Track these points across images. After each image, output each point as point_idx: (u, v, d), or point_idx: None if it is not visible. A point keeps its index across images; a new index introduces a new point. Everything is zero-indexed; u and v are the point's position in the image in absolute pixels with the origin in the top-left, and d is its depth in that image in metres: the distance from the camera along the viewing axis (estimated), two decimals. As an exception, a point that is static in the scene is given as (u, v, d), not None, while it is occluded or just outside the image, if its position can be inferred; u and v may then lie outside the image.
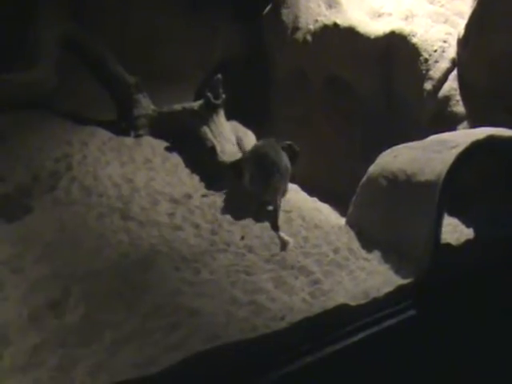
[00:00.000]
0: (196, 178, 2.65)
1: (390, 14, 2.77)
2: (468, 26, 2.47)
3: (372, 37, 2.72)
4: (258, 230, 2.16)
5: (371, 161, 2.22)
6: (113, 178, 2.46)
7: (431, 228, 1.86)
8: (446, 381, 1.86)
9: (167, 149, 2.86)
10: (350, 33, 2.77)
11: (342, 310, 1.63)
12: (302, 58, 3.02)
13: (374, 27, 2.74)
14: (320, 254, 1.99)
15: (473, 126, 2.37)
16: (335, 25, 2.83)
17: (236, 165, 2.60)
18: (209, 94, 2.84)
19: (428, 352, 1.78)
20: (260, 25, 3.29)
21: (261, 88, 3.27)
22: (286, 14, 3.11)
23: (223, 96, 2.85)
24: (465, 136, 2.06)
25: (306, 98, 3.04)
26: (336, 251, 2.01)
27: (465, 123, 2.44)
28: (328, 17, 2.88)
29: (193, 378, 1.37)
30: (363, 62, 2.78)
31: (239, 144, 2.80)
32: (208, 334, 1.47)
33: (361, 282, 1.82)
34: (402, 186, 2.01)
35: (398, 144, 2.23)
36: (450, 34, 2.61)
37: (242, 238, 2.10)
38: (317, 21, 2.93)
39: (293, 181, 2.64)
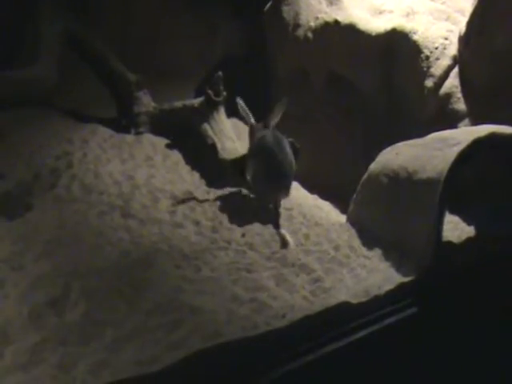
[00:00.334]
0: (196, 175, 2.66)
1: (391, 11, 2.76)
2: (469, 24, 2.47)
3: (373, 34, 2.72)
4: (258, 227, 2.16)
5: (372, 158, 2.21)
6: (113, 176, 2.46)
7: (432, 226, 1.86)
8: (447, 379, 1.86)
9: (168, 146, 2.86)
10: (351, 30, 2.76)
11: (343, 307, 1.63)
12: (303, 56, 3.02)
13: (375, 24, 2.73)
14: (321, 251, 1.99)
15: (474, 123, 2.37)
16: (336, 22, 2.82)
17: (237, 162, 2.60)
18: (209, 91, 2.84)
19: (429, 350, 1.78)
20: (260, 22, 3.28)
21: (261, 85, 3.27)
22: (287, 11, 3.11)
23: (224, 93, 2.84)
24: (466, 133, 2.05)
25: (306, 95, 3.03)
26: (337, 249, 2.01)
27: (466, 120, 2.44)
28: (329, 14, 2.88)
29: (194, 376, 1.37)
30: (364, 60, 2.77)
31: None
32: (209, 331, 1.47)
33: (362, 279, 1.82)
34: (403, 183, 2.00)
35: (399, 141, 2.23)
36: (451, 31, 2.61)
37: (243, 235, 2.09)
38: (317, 18, 2.92)
39: (293, 178, 2.63)
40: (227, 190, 2.51)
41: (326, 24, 2.88)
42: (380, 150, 2.23)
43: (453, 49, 2.57)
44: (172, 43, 3.60)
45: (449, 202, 1.93)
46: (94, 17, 3.39)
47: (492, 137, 1.94)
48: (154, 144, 2.85)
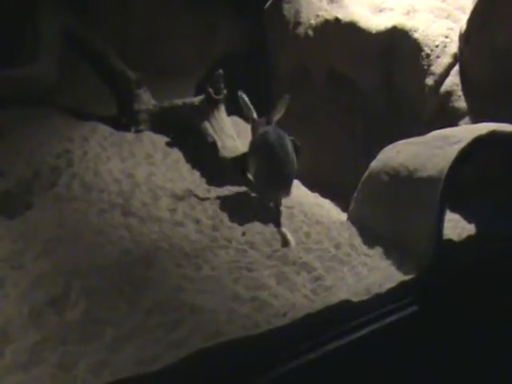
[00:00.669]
0: (197, 173, 2.65)
1: (392, 9, 2.75)
2: (470, 21, 2.46)
3: (373, 32, 2.71)
4: (259, 226, 2.16)
5: (373, 156, 2.21)
6: (113, 174, 2.46)
7: (433, 224, 1.85)
8: (447, 377, 1.86)
9: (168, 144, 2.86)
10: (352, 28, 2.76)
11: (344, 306, 1.63)
12: (304, 53, 3.01)
13: (376, 22, 2.72)
14: (322, 249, 1.99)
15: (475, 121, 2.36)
16: (336, 20, 2.81)
17: (237, 160, 2.59)
18: (210, 89, 2.83)
19: (430, 348, 1.78)
20: (261, 20, 3.27)
21: (262, 83, 3.26)
22: (287, 9, 3.10)
23: (224, 91, 2.84)
24: (467, 131, 2.05)
25: (307, 93, 3.03)
26: (338, 247, 2.01)
27: (467, 118, 2.43)
28: (329, 11, 2.87)
29: (195, 375, 1.37)
30: (365, 57, 2.77)
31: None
32: (210, 331, 1.46)
33: (363, 277, 1.82)
34: (403, 181, 2.00)
35: (399, 139, 2.22)
36: (451, 29, 2.60)
37: (244, 234, 2.09)
38: (318, 16, 2.91)
39: (294, 176, 2.63)
40: (227, 189, 2.50)
41: (327, 22, 2.87)
42: (381, 147, 2.23)
43: (453, 47, 2.56)
44: (172, 41, 3.59)
45: (449, 200, 1.92)
46: (94, 16, 3.38)
47: (493, 135, 1.93)
48: (154, 142, 2.85)
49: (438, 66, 2.57)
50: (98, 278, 1.65)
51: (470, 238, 2.07)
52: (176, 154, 2.79)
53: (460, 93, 2.48)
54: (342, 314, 1.62)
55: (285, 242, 2.03)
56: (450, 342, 1.84)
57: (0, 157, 2.47)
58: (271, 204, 2.31)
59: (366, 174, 2.19)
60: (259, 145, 2.38)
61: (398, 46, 2.68)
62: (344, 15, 2.81)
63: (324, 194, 2.76)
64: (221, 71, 2.83)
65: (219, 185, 2.53)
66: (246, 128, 3.01)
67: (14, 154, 2.51)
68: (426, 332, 1.78)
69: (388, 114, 2.76)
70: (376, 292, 1.71)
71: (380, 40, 2.71)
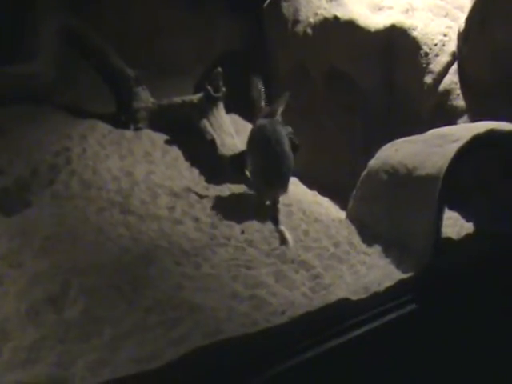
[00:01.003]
0: (196, 171, 2.65)
1: (391, 8, 2.75)
2: (468, 20, 2.46)
3: (372, 30, 2.71)
4: (258, 224, 2.16)
5: (372, 154, 2.21)
6: (112, 172, 2.46)
7: (432, 222, 1.86)
8: (446, 375, 1.86)
9: (167, 142, 2.85)
10: (351, 26, 2.75)
11: (343, 304, 1.63)
12: (303, 52, 3.01)
13: (375, 20, 2.72)
14: (320, 248, 1.99)
15: (473, 119, 2.36)
16: (335, 18, 2.81)
17: (236, 158, 2.59)
18: (209, 87, 2.83)
19: (429, 346, 1.79)
20: (260, 18, 3.27)
21: (261, 81, 3.26)
22: (286, 7, 3.09)
23: (223, 89, 2.84)
24: (465, 130, 2.05)
25: (306, 91, 3.03)
26: (336, 245, 2.01)
27: (465, 117, 2.43)
28: (328, 10, 2.86)
29: (194, 373, 1.37)
30: (364, 56, 2.77)
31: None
32: (209, 328, 1.46)
33: (361, 276, 1.82)
34: (402, 179, 2.00)
35: (398, 138, 2.23)
36: (450, 27, 2.60)
37: (242, 232, 2.09)
38: (317, 14, 2.91)
39: (293, 174, 2.63)
40: (226, 186, 2.50)
41: (326, 20, 2.87)
42: (380, 146, 2.23)
43: (452, 45, 2.56)
44: (171, 40, 3.59)
45: (448, 199, 1.93)
46: (94, 14, 3.37)
47: (491, 133, 1.93)
48: (153, 140, 2.84)
49: (436, 65, 2.57)
50: (96, 276, 1.65)
51: (468, 236, 2.07)
52: (175, 151, 2.78)
53: (458, 91, 2.49)
54: (341, 313, 1.63)
55: (283, 240, 2.03)
56: (449, 340, 1.85)
57: (-1, 154, 2.46)
58: (268, 202, 2.31)
59: (365, 172, 2.19)
60: (255, 141, 2.38)
61: (397, 44, 2.69)
62: (343, 13, 2.80)
63: (323, 192, 2.76)
64: (219, 69, 2.82)
65: (218, 183, 2.53)
66: (245, 126, 3.02)
67: (13, 152, 2.50)
68: (425, 330, 1.79)
69: (387, 112, 2.76)
70: (375, 290, 1.71)
71: (379, 38, 2.71)
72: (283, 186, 2.32)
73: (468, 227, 2.15)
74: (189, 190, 2.40)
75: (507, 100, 2.32)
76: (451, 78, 2.53)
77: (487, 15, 2.37)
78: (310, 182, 2.83)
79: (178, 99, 2.98)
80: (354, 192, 2.22)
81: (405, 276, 1.80)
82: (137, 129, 2.94)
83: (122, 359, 1.34)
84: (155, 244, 1.92)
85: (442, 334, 1.82)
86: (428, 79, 2.58)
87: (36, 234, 1.89)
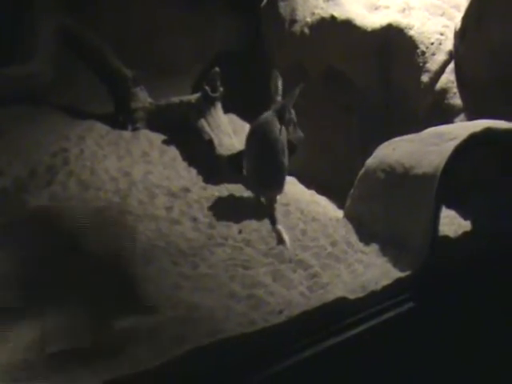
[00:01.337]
0: (193, 171, 2.65)
1: (387, 7, 2.75)
2: (465, 19, 2.47)
3: (369, 29, 2.71)
4: (255, 223, 2.16)
5: (369, 153, 2.22)
6: (110, 172, 2.46)
7: (429, 220, 1.86)
8: (444, 373, 1.87)
9: (165, 142, 2.85)
10: (348, 25, 2.76)
11: (340, 303, 1.63)
12: (300, 51, 3.01)
13: (371, 20, 2.72)
14: (318, 247, 1.99)
15: (470, 118, 2.37)
16: (332, 17, 2.81)
17: (234, 158, 2.60)
18: (206, 87, 2.83)
19: (426, 344, 1.79)
20: (258, 17, 3.27)
21: (259, 81, 3.26)
22: (283, 7, 3.10)
23: (221, 89, 2.84)
24: (462, 128, 2.06)
25: (304, 91, 3.03)
26: (334, 244, 2.01)
27: (462, 115, 2.44)
28: (325, 9, 2.87)
29: (192, 373, 1.38)
30: (361, 55, 2.77)
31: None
32: (207, 328, 1.47)
33: (359, 275, 1.82)
34: (399, 178, 2.01)
35: (396, 136, 2.23)
36: (446, 26, 2.61)
37: (240, 231, 2.09)
38: (314, 13, 2.91)
39: (291, 173, 2.63)
40: (224, 186, 2.50)
41: (323, 20, 2.87)
42: (377, 144, 2.24)
43: (448, 44, 2.57)
44: (169, 39, 3.59)
45: (445, 197, 1.93)
46: (92, 14, 3.37)
47: (488, 132, 1.94)
48: (150, 140, 2.85)
49: (433, 64, 2.57)
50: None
51: (465, 234, 2.08)
52: (173, 151, 2.78)
53: (455, 90, 2.49)
54: (338, 311, 1.63)
55: (280, 240, 2.03)
56: (447, 339, 1.85)
57: (-2, 155, 2.47)
58: (263, 201, 2.31)
59: (363, 171, 2.19)
60: (250, 141, 2.38)
61: (394, 43, 2.69)
62: (340, 13, 2.81)
63: (320, 191, 2.76)
64: (217, 69, 2.82)
65: (216, 183, 2.53)
66: (243, 126, 3.02)
67: (11, 153, 2.50)
68: (423, 329, 1.79)
69: (384, 111, 2.76)
70: (372, 289, 1.72)
71: (376, 37, 2.71)
72: (277, 186, 2.32)
73: (465, 225, 2.15)
74: (187, 190, 2.41)
75: (504, 98, 2.32)
76: (448, 77, 2.54)
77: (483, 14, 2.38)
78: (307, 181, 2.83)
79: (175, 99, 2.98)
80: (352, 191, 2.22)
81: (402, 274, 1.80)
82: (135, 129, 2.94)
83: (120, 359, 1.35)
84: (153, 244, 1.92)
85: (440, 332, 1.82)
86: (425, 78, 2.58)
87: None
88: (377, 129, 2.69)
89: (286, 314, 1.56)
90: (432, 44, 2.59)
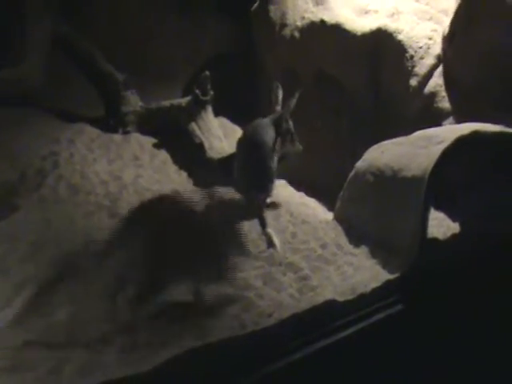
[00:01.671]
0: (184, 174, 2.65)
1: (377, 11, 2.78)
2: (453, 23, 2.49)
3: (358, 34, 2.73)
4: (245, 226, 2.17)
5: (359, 156, 2.23)
6: (100, 176, 2.46)
7: (418, 223, 1.88)
8: (433, 375, 1.88)
9: (155, 145, 2.86)
10: (337, 29, 2.78)
11: (330, 305, 1.64)
12: (290, 55, 3.03)
13: (361, 24, 2.75)
14: (308, 249, 2.00)
15: (458, 121, 2.39)
16: (322, 21, 2.83)
17: (224, 161, 2.60)
18: (197, 91, 2.84)
19: (415, 346, 1.80)
20: (248, 21, 3.29)
21: (249, 84, 3.27)
22: (274, 11, 3.11)
23: (211, 93, 2.85)
24: (450, 131, 2.08)
25: (295, 94, 3.04)
26: (324, 247, 2.02)
27: (450, 119, 2.46)
28: (315, 13, 2.89)
29: (183, 376, 1.38)
30: (351, 59, 2.79)
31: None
32: (198, 331, 1.47)
33: (348, 277, 1.83)
34: (388, 181, 2.02)
35: (385, 139, 2.25)
36: (435, 30, 2.63)
37: (231, 234, 2.10)
38: (304, 17, 2.93)
39: (281, 176, 2.64)
40: (215, 190, 2.51)
41: (312, 24, 2.89)
42: (367, 147, 2.25)
43: (437, 48, 2.60)
44: (160, 43, 3.59)
45: (434, 199, 1.95)
46: (85, 18, 3.37)
47: (475, 135, 1.96)
48: (141, 143, 2.84)
49: (421, 67, 2.60)
50: (84, 280, 1.65)
51: (454, 236, 2.09)
52: (163, 155, 2.79)
53: (444, 93, 2.51)
54: (328, 314, 1.64)
55: (270, 243, 2.04)
56: (436, 340, 1.86)
57: (-14, 159, 2.46)
58: (250, 202, 2.30)
59: (352, 173, 2.21)
60: (238, 145, 2.40)
61: (383, 47, 2.71)
62: (329, 17, 2.83)
63: (310, 193, 2.77)
64: (207, 73, 2.83)
65: (206, 186, 2.53)
66: (233, 129, 3.03)
67: (1, 156, 2.49)
68: (412, 330, 1.80)
69: (374, 114, 2.78)
70: (361, 291, 1.72)
71: (365, 42, 2.73)
72: (263, 190, 2.30)
73: (454, 227, 2.16)
74: (177, 193, 2.40)
75: (491, 101, 2.35)
76: (436, 81, 2.56)
77: (471, 18, 2.40)
78: (297, 184, 2.84)
79: (166, 103, 2.99)
80: (342, 193, 2.23)
81: (391, 277, 1.81)
82: (125, 132, 2.94)
83: (110, 363, 1.34)
84: (143, 247, 1.91)
85: (429, 334, 1.83)
86: (413, 82, 2.61)
87: (22, 238, 1.89)
88: (366, 131, 2.71)
89: (276, 316, 1.57)
90: (420, 48, 2.62)
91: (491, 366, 1.98)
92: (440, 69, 2.57)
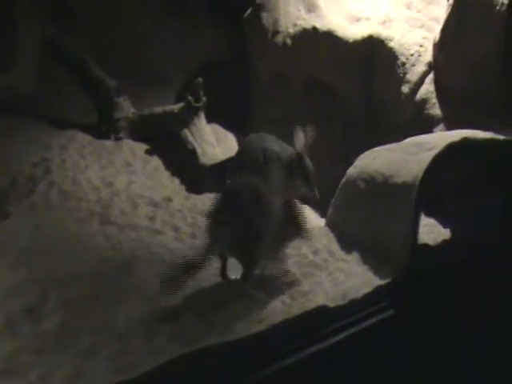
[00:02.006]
0: (176, 180, 2.65)
1: (368, 19, 2.80)
2: (443, 31, 2.52)
3: (350, 41, 2.75)
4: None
5: (351, 162, 2.24)
6: (92, 182, 2.45)
7: (408, 229, 1.88)
8: (425, 379, 1.88)
9: (147, 152, 2.86)
10: (329, 37, 2.80)
11: (321, 311, 1.64)
12: (283, 62, 3.04)
13: (353, 31, 2.77)
14: (300, 255, 2.00)
15: (449, 127, 2.41)
16: (314, 29, 2.85)
17: (216, 167, 2.61)
18: (189, 97, 2.84)
19: (406, 351, 1.81)
20: (241, 28, 3.30)
21: (242, 91, 3.28)
22: (266, 18, 3.13)
23: (204, 99, 2.85)
24: (440, 138, 2.09)
25: (287, 101, 3.05)
26: (315, 253, 2.02)
27: (441, 125, 2.48)
28: (307, 21, 2.90)
29: (173, 382, 1.37)
30: (343, 66, 2.81)
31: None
32: (189, 337, 1.47)
33: (340, 283, 1.83)
34: (379, 187, 2.03)
35: (376, 146, 2.26)
36: (426, 38, 2.66)
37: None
38: (296, 25, 2.95)
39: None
40: (207, 196, 2.51)
41: (305, 31, 2.90)
42: (358, 154, 2.26)
43: (428, 55, 2.62)
44: (153, 49, 3.59)
45: (425, 205, 1.95)
46: (78, 23, 3.37)
47: (465, 142, 1.97)
48: (133, 150, 2.84)
49: (413, 74, 2.62)
50: (74, 286, 1.64)
51: (445, 242, 2.10)
52: (155, 161, 2.78)
53: (435, 100, 2.53)
54: (320, 319, 1.64)
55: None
56: (427, 345, 1.87)
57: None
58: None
59: (344, 180, 2.21)
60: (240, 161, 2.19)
61: (375, 54, 2.73)
62: (322, 24, 2.84)
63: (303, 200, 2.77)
64: (200, 79, 2.84)
65: (198, 192, 2.53)
66: (226, 135, 3.04)
67: (-9, 163, 2.49)
68: (403, 335, 1.81)
69: (366, 120, 2.79)
70: (353, 297, 1.73)
71: (357, 49, 2.75)
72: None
73: (445, 233, 2.17)
74: (169, 199, 2.40)
75: (482, 108, 2.37)
76: (427, 88, 2.58)
77: (461, 26, 2.43)
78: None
79: (158, 109, 2.99)
80: (333, 200, 2.24)
81: (382, 282, 1.82)
82: (117, 139, 2.93)
83: (101, 369, 1.34)
84: (135, 254, 1.91)
85: (420, 338, 1.84)
86: (405, 88, 2.63)
87: (14, 244, 1.88)
88: (358, 138, 2.72)
89: (267, 322, 1.57)
90: (412, 55, 2.64)
91: (482, 370, 1.99)
92: (431, 76, 2.59)
